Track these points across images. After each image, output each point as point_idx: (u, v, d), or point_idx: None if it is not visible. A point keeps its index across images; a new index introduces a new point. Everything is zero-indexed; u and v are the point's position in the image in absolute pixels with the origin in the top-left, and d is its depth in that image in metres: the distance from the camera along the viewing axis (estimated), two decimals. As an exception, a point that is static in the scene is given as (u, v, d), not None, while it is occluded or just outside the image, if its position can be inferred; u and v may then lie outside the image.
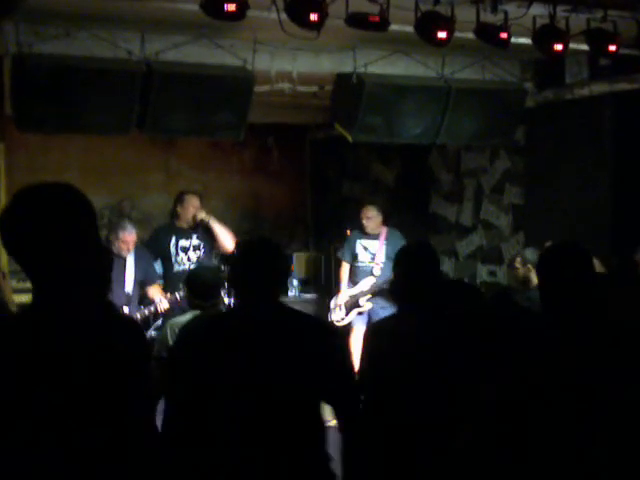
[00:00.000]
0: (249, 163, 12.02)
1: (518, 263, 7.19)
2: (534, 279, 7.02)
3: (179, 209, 8.49)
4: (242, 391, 3.46)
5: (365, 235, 9.22)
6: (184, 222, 8.45)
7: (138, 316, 7.62)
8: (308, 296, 10.73)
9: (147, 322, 7.87)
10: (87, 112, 6.98)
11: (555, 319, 3.40)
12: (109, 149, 10.72)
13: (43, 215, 2.36)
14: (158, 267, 8.68)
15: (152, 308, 7.77)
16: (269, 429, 3.44)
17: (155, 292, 8.02)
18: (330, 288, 10.31)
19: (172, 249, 8.36)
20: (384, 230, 9.22)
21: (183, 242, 8.38)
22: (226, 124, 7.60)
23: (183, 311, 6.16)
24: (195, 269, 6.45)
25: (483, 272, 9.88)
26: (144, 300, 8.08)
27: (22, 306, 2.51)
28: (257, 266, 3.66)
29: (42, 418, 2.28)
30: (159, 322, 7.90)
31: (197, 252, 8.40)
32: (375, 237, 9.18)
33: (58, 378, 2.31)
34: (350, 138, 8.09)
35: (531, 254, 7.22)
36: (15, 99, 6.86)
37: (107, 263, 5.15)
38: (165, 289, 8.08)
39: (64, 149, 10.55)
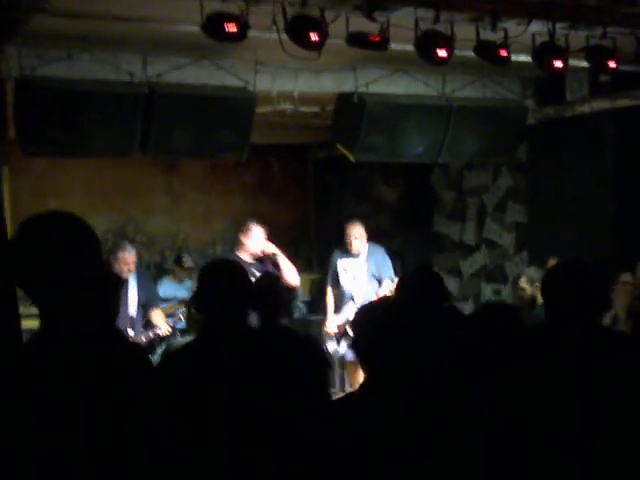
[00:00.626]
0: (252, 184, 12.04)
1: (524, 283, 7.19)
2: (540, 298, 7.02)
3: (244, 240, 7.82)
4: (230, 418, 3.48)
5: (346, 254, 8.58)
6: (247, 254, 7.78)
7: (143, 339, 7.61)
8: (314, 318, 10.68)
9: (152, 346, 7.85)
10: (90, 134, 7.00)
11: (560, 334, 3.39)
12: (113, 172, 10.74)
13: (48, 245, 2.38)
14: (161, 290, 8.68)
15: (155, 332, 7.76)
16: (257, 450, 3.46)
17: (158, 317, 8.00)
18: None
19: None
20: (365, 247, 8.55)
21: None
22: (228, 145, 7.62)
23: None
24: None
25: (488, 291, 9.86)
26: (148, 324, 8.06)
27: (30, 332, 2.52)
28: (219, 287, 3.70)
29: (47, 452, 2.28)
30: (164, 346, 7.90)
31: None
32: (355, 256, 8.51)
33: (66, 410, 2.31)
34: (352, 158, 8.11)
35: (535, 272, 7.23)
36: (18, 122, 6.89)
37: (114, 290, 5.17)
38: None
39: (68, 172, 10.57)
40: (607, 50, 6.53)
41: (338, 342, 8.41)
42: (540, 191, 8.98)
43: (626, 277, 6.84)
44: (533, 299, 7.10)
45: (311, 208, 12.60)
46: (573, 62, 6.61)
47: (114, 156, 8.03)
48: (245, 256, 7.73)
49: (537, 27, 6.22)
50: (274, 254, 7.80)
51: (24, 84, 6.64)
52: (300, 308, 10.63)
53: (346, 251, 8.57)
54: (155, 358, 7.69)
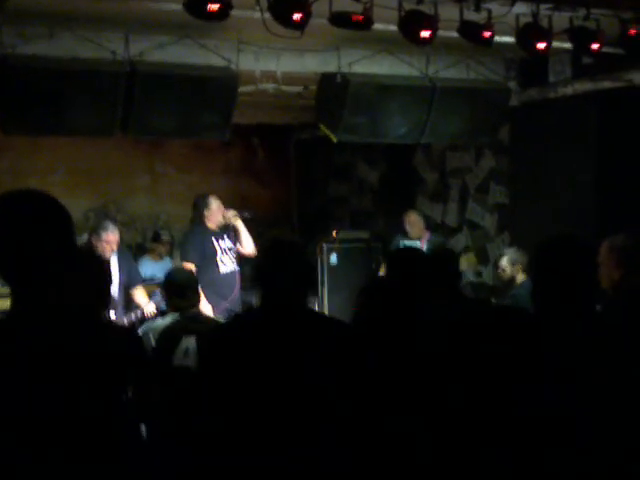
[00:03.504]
0: (234, 164, 12.02)
1: (504, 263, 7.22)
2: (519, 278, 7.07)
3: (206, 212, 8.33)
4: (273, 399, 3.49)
5: (407, 237, 9.40)
6: (214, 224, 8.33)
7: (125, 321, 7.51)
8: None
9: (133, 327, 7.78)
10: (71, 113, 6.94)
11: (548, 315, 3.38)
12: (95, 152, 10.70)
13: (18, 222, 2.38)
14: (141, 270, 8.63)
15: (139, 313, 7.60)
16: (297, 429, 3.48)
17: (140, 295, 7.94)
18: (316, 288, 10.28)
19: (218, 250, 8.25)
20: (427, 234, 9.43)
21: (222, 243, 8.29)
22: (211, 124, 7.59)
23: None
24: (171, 270, 6.42)
25: (469, 272, 9.89)
26: (129, 304, 7.99)
27: (2, 312, 2.51)
28: (289, 268, 3.68)
29: (22, 426, 2.27)
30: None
31: (230, 253, 8.34)
32: (417, 240, 9.31)
33: (36, 385, 2.30)
34: (334, 138, 8.09)
35: (515, 253, 7.27)
36: (-1, 101, 6.85)
37: (102, 273, 5.13)
38: (210, 294, 7.82)
39: (49, 152, 10.52)
40: (590, 32, 6.54)
41: None
42: (522, 173, 9.00)
43: None
44: (512, 279, 7.15)
45: (293, 189, 12.60)
46: (556, 44, 6.62)
47: (95, 135, 7.99)
48: (211, 226, 8.30)
49: (521, 8, 6.23)
50: (235, 221, 8.39)
51: (5, 62, 6.57)
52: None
53: (405, 234, 9.40)
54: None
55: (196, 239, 8.27)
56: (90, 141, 9.81)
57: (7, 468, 2.26)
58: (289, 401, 3.50)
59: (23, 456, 2.28)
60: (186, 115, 7.41)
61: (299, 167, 12.55)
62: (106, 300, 4.89)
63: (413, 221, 9.36)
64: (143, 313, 7.60)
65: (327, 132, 8.11)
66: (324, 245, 10.13)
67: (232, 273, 8.23)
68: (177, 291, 5.67)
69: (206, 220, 8.30)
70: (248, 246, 8.37)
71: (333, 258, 9.97)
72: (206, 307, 7.44)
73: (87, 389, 2.39)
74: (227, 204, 11.85)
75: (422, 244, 9.09)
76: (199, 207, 8.40)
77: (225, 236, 8.33)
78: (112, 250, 7.79)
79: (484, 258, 9.69)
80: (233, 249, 8.35)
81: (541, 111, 8.63)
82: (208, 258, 8.15)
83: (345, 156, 11.65)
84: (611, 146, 8.06)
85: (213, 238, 8.25)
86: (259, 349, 3.57)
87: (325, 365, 3.59)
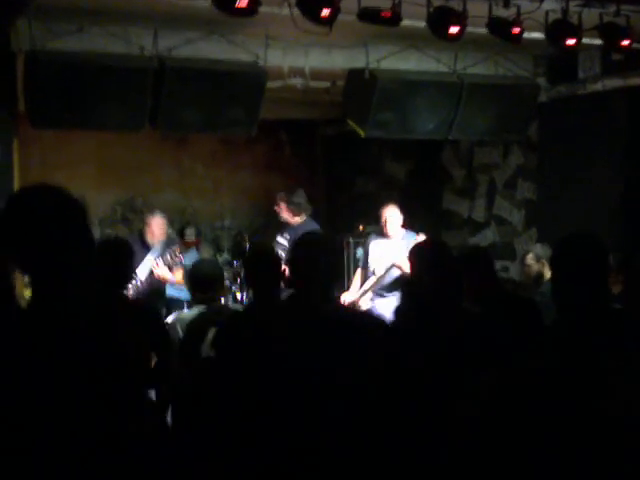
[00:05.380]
0: (261, 159, 12.02)
1: (530, 259, 7.18)
2: (547, 274, 7.02)
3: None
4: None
5: (381, 236, 8.59)
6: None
7: (136, 282, 7.49)
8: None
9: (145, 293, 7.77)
10: (100, 108, 7.00)
11: (567, 314, 3.37)
12: (122, 146, 10.73)
13: (36, 216, 2.42)
14: None
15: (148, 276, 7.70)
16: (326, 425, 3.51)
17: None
18: (343, 283, 10.27)
19: None
20: (401, 232, 8.50)
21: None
22: (238, 120, 7.61)
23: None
24: (196, 263, 6.44)
25: (496, 268, 9.85)
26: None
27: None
28: (320, 262, 3.71)
29: (39, 417, 2.29)
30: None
31: None
32: (390, 238, 8.48)
33: (55, 376, 2.32)
34: (362, 134, 8.09)
35: (541, 249, 7.22)
36: (28, 96, 6.89)
37: (122, 258, 5.20)
38: None
39: (77, 146, 10.57)
40: (620, 28, 6.50)
41: None
42: (550, 169, 8.95)
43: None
44: (539, 276, 7.11)
45: (320, 184, 12.58)
46: (586, 40, 6.58)
47: (123, 130, 8.03)
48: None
49: (550, 4, 6.20)
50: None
51: (34, 58, 6.63)
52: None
53: (381, 233, 8.58)
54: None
55: None
56: (118, 135, 9.84)
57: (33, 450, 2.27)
58: (318, 396, 3.51)
59: (51, 443, 2.29)
60: (213, 110, 7.44)
61: (326, 163, 12.53)
62: (122, 280, 5.23)
63: (393, 215, 8.44)
64: (152, 273, 7.66)
65: (355, 128, 8.11)
66: (350, 240, 10.12)
67: None
68: (201, 283, 5.69)
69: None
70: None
71: (359, 252, 9.94)
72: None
73: (107, 384, 2.40)
74: (253, 199, 11.93)
75: (397, 241, 8.34)
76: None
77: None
78: (154, 236, 8.00)
79: (511, 254, 9.64)
80: None
81: (570, 107, 8.58)
82: None
83: (372, 152, 11.63)
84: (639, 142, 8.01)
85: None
86: (281, 342, 3.60)
87: (352, 360, 3.60)
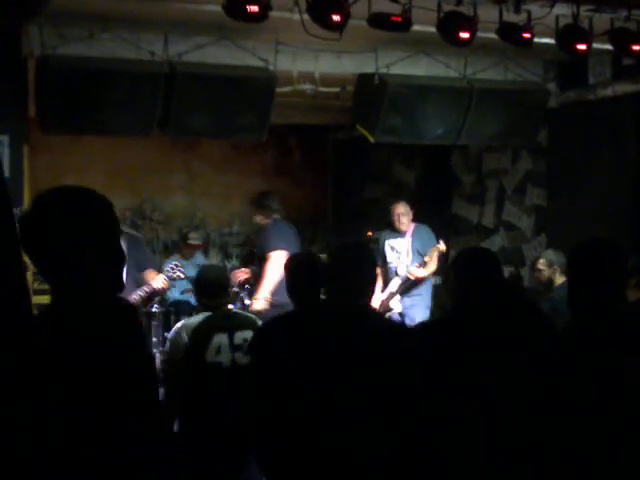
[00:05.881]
0: (270, 164, 12.03)
1: (542, 265, 7.16)
2: (558, 280, 7.00)
3: None
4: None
5: (393, 234, 8.95)
6: None
7: (135, 297, 7.20)
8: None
9: (146, 303, 7.71)
10: (110, 113, 7.00)
11: (582, 318, 3.37)
12: (132, 151, 10.75)
13: (63, 217, 2.38)
14: None
15: (146, 289, 7.28)
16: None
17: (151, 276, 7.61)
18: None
19: None
20: (412, 226, 8.91)
21: None
22: (248, 125, 7.62)
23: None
24: (202, 268, 6.41)
25: (505, 274, 9.83)
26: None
27: (42, 307, 2.52)
28: (360, 269, 3.88)
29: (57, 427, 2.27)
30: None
31: None
32: (402, 235, 8.87)
33: (78, 389, 2.30)
34: (372, 139, 8.09)
35: (553, 255, 7.20)
36: (39, 101, 6.91)
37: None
38: None
39: (87, 151, 10.59)
40: (631, 33, 6.48)
41: None
42: (560, 175, 8.93)
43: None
44: (550, 281, 7.09)
45: (329, 190, 12.59)
46: (597, 45, 6.56)
47: (133, 135, 8.04)
48: None
49: (561, 9, 6.18)
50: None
51: (45, 63, 6.65)
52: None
53: (393, 230, 8.93)
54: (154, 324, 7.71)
55: None
56: (127, 140, 9.85)
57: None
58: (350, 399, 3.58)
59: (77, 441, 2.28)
60: (223, 116, 7.44)
61: (335, 168, 12.54)
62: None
63: (403, 212, 8.86)
64: (154, 287, 7.32)
65: (364, 133, 8.11)
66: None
67: None
68: (206, 289, 5.68)
69: None
70: None
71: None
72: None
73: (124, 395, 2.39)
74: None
75: (408, 237, 8.82)
76: None
77: None
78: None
79: (520, 260, 9.62)
80: None
81: (580, 113, 8.56)
82: None
83: (381, 157, 11.62)
84: (651, 148, 7.99)
85: None
86: (318, 344, 3.70)
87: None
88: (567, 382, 3.17)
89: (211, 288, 5.65)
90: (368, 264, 4.01)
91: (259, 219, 8.40)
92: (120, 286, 2.56)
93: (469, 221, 10.42)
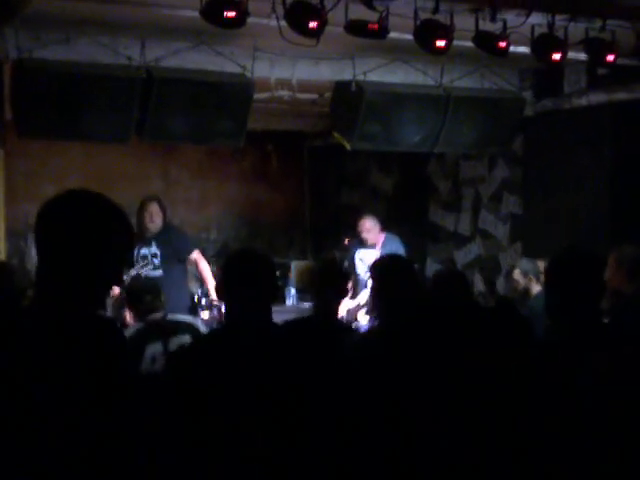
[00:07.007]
0: (248, 170, 12.01)
1: (517, 275, 7.21)
2: (534, 289, 7.05)
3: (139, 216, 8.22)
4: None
5: (362, 245, 8.98)
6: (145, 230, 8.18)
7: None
8: (307, 305, 10.66)
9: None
10: (87, 118, 6.98)
11: (561, 326, 3.38)
12: (109, 156, 10.71)
13: (81, 219, 2.41)
14: None
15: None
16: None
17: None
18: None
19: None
20: (381, 237, 8.93)
21: (145, 250, 8.12)
22: (225, 131, 7.62)
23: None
24: (131, 279, 6.35)
25: (481, 282, 9.87)
26: None
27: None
28: (243, 278, 3.57)
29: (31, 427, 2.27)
30: None
31: (152, 259, 8.12)
32: (372, 247, 8.88)
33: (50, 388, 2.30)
34: (349, 146, 8.11)
35: (527, 264, 7.26)
36: (15, 105, 6.88)
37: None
38: None
39: (64, 156, 10.54)
40: (606, 43, 6.53)
41: None
42: (536, 183, 8.98)
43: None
44: (526, 291, 7.13)
45: (306, 196, 12.59)
46: (572, 54, 6.61)
47: (110, 141, 7.99)
48: (145, 232, 8.17)
49: (536, 19, 6.22)
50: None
51: (21, 66, 6.62)
52: (293, 295, 10.62)
53: (363, 242, 8.92)
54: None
55: None
56: (104, 146, 9.82)
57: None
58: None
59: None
60: (201, 121, 7.44)
61: (312, 174, 12.54)
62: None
63: (369, 228, 8.86)
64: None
65: (341, 140, 8.12)
66: (337, 253, 10.14)
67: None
68: (134, 298, 5.61)
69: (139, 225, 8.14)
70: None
71: (345, 264, 9.96)
72: None
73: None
74: (240, 210, 11.93)
75: (377, 248, 8.78)
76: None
77: (154, 242, 8.15)
78: (152, 221, 8.04)
79: (496, 268, 9.67)
80: (158, 254, 8.15)
81: (555, 121, 8.62)
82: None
83: (359, 164, 11.65)
84: (625, 157, 8.05)
85: (138, 246, 8.04)
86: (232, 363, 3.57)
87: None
88: (550, 392, 3.19)
89: (137, 296, 5.58)
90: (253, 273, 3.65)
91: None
92: (102, 303, 2.57)
93: (446, 229, 10.46)
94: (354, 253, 9.03)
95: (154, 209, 8.25)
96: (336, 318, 4.47)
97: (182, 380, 3.55)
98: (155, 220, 8.20)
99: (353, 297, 8.66)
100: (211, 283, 8.19)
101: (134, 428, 2.49)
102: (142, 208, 8.25)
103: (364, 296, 8.56)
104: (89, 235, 2.40)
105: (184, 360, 3.69)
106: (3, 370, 2.25)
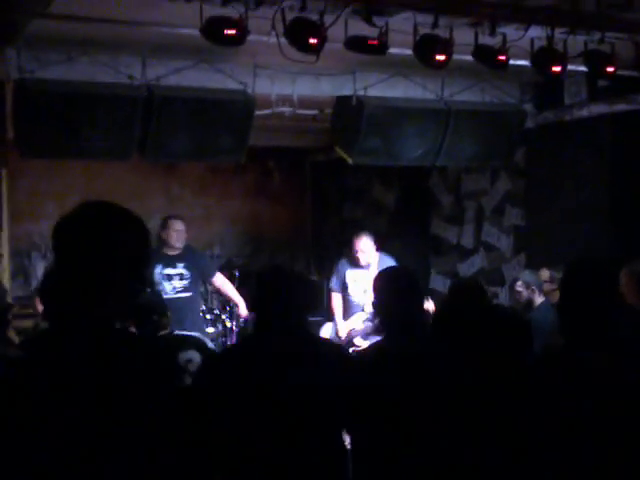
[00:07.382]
0: (250, 186, 12.05)
1: (520, 287, 7.22)
2: (537, 301, 7.06)
3: (165, 235, 8.22)
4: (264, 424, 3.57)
5: (354, 265, 8.42)
6: (170, 248, 8.20)
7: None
8: (310, 319, 10.65)
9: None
10: (89, 137, 6.99)
11: (574, 337, 3.36)
12: (111, 174, 10.75)
13: (101, 230, 2.46)
14: None
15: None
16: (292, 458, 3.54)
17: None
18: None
19: (158, 277, 8.05)
20: (376, 258, 8.31)
21: (169, 270, 8.10)
22: (227, 148, 7.63)
23: None
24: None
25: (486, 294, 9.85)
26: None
27: (28, 332, 2.52)
28: (273, 295, 3.78)
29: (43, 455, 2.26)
30: None
31: (178, 280, 8.10)
32: (365, 267, 8.29)
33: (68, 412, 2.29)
34: (350, 160, 8.12)
35: (530, 276, 7.27)
36: (17, 124, 6.90)
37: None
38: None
39: (66, 174, 10.58)
40: (605, 55, 6.54)
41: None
42: (538, 195, 8.99)
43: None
44: (530, 302, 7.14)
45: (309, 211, 12.61)
46: (572, 66, 6.62)
47: (112, 159, 8.03)
48: (166, 250, 8.18)
49: (536, 32, 6.22)
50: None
51: (23, 86, 6.64)
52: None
53: (354, 262, 8.43)
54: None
55: None
56: (106, 164, 9.86)
57: None
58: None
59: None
60: (202, 139, 7.46)
61: (314, 189, 12.57)
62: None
63: (364, 248, 8.27)
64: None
65: (343, 155, 8.14)
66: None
67: (176, 300, 7.80)
68: (141, 317, 5.54)
69: (162, 243, 8.16)
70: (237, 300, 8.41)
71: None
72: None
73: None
74: (242, 226, 11.94)
75: (372, 269, 8.06)
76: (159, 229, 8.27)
77: (179, 262, 8.14)
78: (179, 240, 8.04)
79: (500, 280, 9.66)
80: (186, 275, 8.13)
81: (557, 133, 8.63)
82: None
83: (360, 178, 11.67)
84: (626, 168, 8.05)
85: (161, 265, 8.07)
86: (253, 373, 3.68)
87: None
88: (550, 392, 3.19)
89: (142, 315, 5.54)
90: (283, 290, 3.84)
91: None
92: (124, 316, 2.57)
93: (448, 241, 10.46)
94: (344, 271, 8.58)
95: (181, 228, 8.28)
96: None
97: (217, 384, 3.70)
98: (182, 239, 8.23)
99: (346, 316, 8.58)
100: (239, 300, 8.25)
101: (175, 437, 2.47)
102: (167, 226, 8.24)
103: (359, 319, 8.37)
104: (111, 247, 2.41)
105: (216, 366, 3.90)
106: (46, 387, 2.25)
